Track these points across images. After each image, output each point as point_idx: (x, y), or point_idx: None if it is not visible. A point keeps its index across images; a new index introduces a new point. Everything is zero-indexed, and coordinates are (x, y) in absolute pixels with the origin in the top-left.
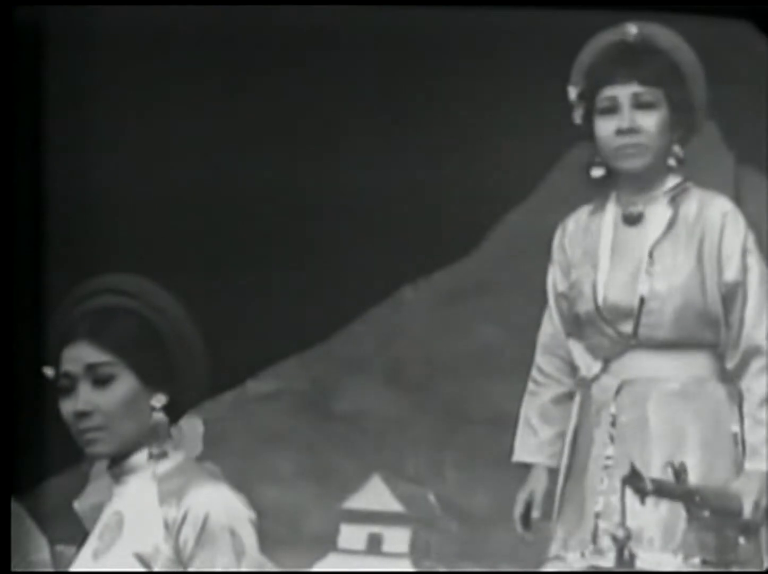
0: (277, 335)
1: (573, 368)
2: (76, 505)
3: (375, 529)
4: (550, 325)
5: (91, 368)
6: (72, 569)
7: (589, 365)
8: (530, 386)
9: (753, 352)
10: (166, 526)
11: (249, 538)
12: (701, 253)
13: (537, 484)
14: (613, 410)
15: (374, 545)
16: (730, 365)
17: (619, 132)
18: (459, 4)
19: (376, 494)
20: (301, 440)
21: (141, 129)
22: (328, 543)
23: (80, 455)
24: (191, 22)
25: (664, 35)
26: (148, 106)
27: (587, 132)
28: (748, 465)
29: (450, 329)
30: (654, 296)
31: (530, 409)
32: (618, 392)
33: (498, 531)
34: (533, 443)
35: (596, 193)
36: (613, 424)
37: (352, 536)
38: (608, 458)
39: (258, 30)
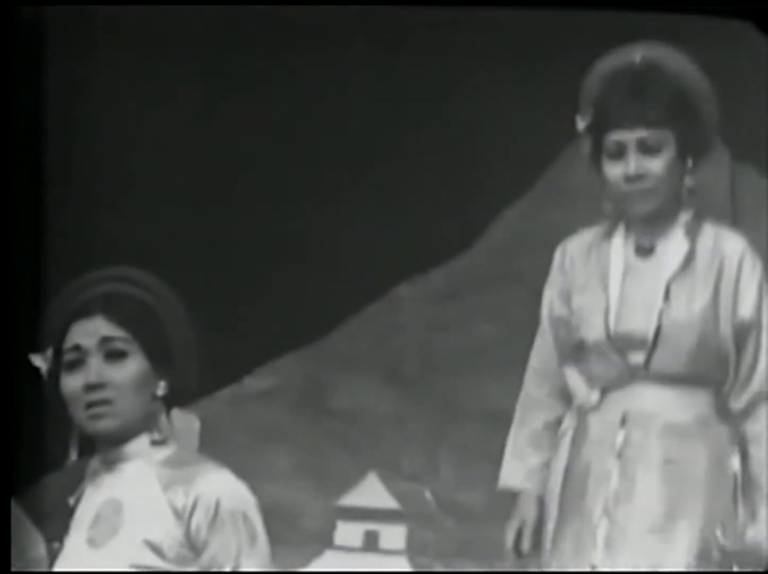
0: (274, 332)
1: (564, 395)
2: (72, 501)
3: (371, 526)
4: (543, 349)
5: (106, 341)
6: (65, 559)
7: (587, 394)
8: (519, 411)
9: (765, 395)
10: (176, 513)
11: (258, 521)
12: (718, 288)
13: (528, 513)
14: (619, 442)
15: (371, 542)
16: (736, 405)
17: (627, 179)
18: (460, 4)
19: (372, 491)
20: (297, 437)
21: (141, 127)
22: (324, 540)
23: (78, 450)
24: (190, 21)
25: (671, 59)
26: (147, 104)
27: (595, 170)
28: (762, 510)
29: (446, 326)
30: (672, 328)
31: (519, 435)
32: (623, 424)
33: (494, 528)
34: (521, 469)
35: (603, 216)
36: (619, 456)
37: (348, 533)
38: (610, 491)
39: (257, 28)
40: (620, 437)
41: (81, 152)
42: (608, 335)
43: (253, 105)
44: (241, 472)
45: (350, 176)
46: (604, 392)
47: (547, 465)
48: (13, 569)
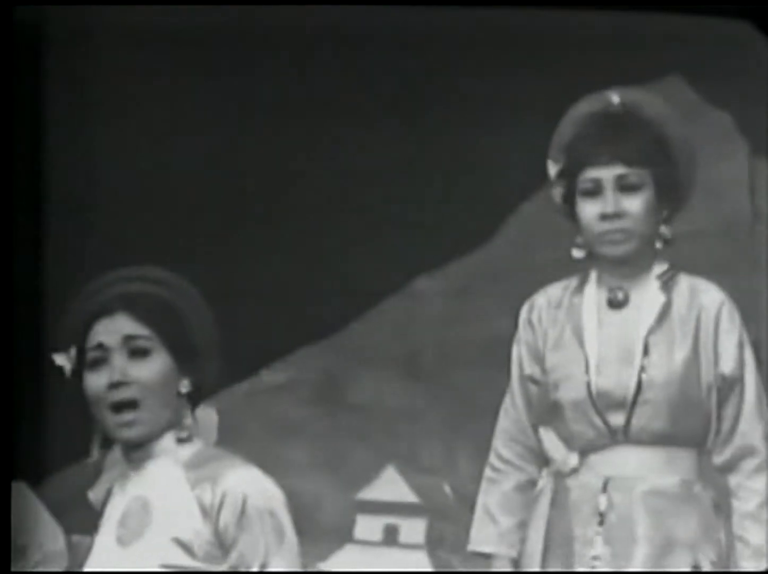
0: (292, 326)
1: (536, 455)
2: (91, 495)
3: (391, 520)
4: (513, 409)
5: (129, 339)
6: (94, 558)
7: (564, 457)
8: (488, 472)
9: (747, 450)
10: (203, 510)
11: (286, 518)
12: (697, 343)
13: None
14: (602, 508)
15: (391, 536)
16: (718, 460)
17: (604, 217)
18: (475, 4)
19: (391, 485)
20: (315, 430)
21: (140, 127)
22: (344, 534)
23: (92, 445)
24: (190, 22)
25: (649, 104)
26: (147, 105)
27: (568, 212)
28: (750, 565)
29: (464, 320)
30: (651, 385)
31: (489, 497)
32: (605, 489)
33: None
34: (493, 532)
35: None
36: (601, 523)
37: (368, 526)
38: (595, 558)
39: (256, 28)
40: (603, 502)
41: (81, 152)
42: (590, 394)
43: (255, 105)
44: (258, 465)
45: (367, 170)
46: (583, 454)
47: (519, 527)
48: (32, 561)
